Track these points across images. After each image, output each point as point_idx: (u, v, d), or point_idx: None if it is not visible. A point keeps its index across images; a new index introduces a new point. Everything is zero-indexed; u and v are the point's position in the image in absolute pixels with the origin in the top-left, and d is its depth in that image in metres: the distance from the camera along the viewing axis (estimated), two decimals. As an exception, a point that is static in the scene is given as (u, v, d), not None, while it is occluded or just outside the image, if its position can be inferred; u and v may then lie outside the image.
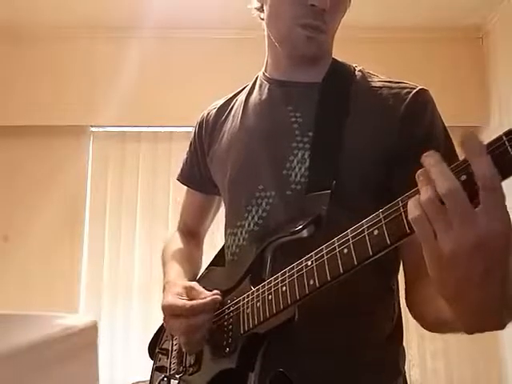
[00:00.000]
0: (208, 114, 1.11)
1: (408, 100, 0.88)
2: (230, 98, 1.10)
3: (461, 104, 2.89)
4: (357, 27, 2.92)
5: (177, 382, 0.94)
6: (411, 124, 0.86)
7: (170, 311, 0.88)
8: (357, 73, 0.97)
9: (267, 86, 1.01)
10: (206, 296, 0.87)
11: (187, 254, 1.11)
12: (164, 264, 1.10)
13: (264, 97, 1.00)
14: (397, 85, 0.92)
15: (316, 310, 0.77)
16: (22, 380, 0.37)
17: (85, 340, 0.47)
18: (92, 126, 3.12)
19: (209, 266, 1.11)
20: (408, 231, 0.56)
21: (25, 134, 3.03)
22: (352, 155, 0.86)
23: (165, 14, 2.84)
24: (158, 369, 1.02)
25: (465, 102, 2.96)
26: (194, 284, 0.92)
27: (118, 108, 2.94)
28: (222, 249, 1.06)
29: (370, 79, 0.95)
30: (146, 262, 3.02)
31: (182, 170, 1.18)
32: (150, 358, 1.06)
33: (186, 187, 1.19)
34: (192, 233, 1.19)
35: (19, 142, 3.04)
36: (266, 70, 1.04)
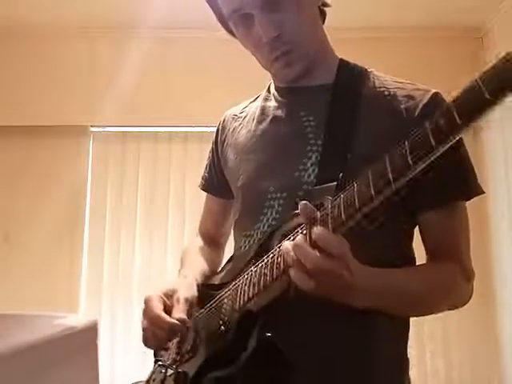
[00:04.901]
0: (224, 120, 1.13)
1: (424, 102, 0.89)
2: (246, 105, 1.11)
3: (461, 104, 2.89)
4: (356, 27, 2.93)
5: (173, 371, 0.95)
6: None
7: (144, 306, 0.90)
8: (368, 74, 0.97)
9: (278, 94, 1.02)
10: (176, 315, 0.86)
11: (206, 255, 1.12)
12: (182, 265, 1.12)
13: (277, 104, 1.01)
14: (409, 86, 0.93)
15: (315, 300, 0.75)
16: (21, 380, 0.37)
17: (85, 340, 0.47)
18: (92, 126, 3.12)
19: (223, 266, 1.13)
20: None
21: (25, 134, 3.03)
22: (362, 154, 0.86)
23: (165, 14, 2.83)
24: (157, 362, 1.03)
25: (465, 102, 2.96)
26: (183, 297, 0.90)
27: (118, 108, 2.94)
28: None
29: (382, 80, 0.96)
30: (145, 262, 3.02)
31: (202, 177, 1.19)
32: (153, 356, 1.06)
33: (203, 193, 1.21)
34: (212, 237, 1.21)
35: (19, 142, 3.04)
36: (274, 80, 1.06)
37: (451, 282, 0.87)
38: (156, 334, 0.87)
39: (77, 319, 0.48)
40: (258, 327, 0.80)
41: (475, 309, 2.73)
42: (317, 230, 0.68)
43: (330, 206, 0.71)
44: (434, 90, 0.91)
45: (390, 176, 0.64)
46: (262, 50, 0.93)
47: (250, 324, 0.81)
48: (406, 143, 0.64)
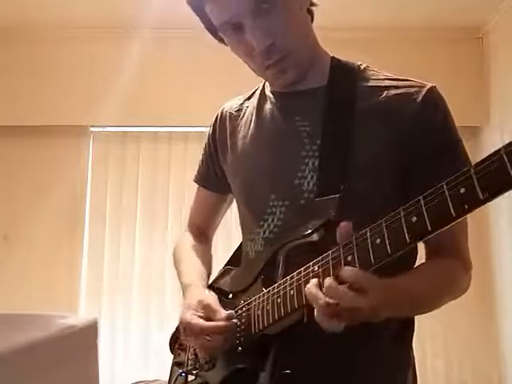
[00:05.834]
0: (221, 117, 1.11)
1: (419, 100, 0.88)
2: (242, 102, 1.10)
3: (461, 104, 2.86)
4: (356, 27, 2.92)
5: (193, 377, 0.98)
6: (424, 124, 0.87)
7: (185, 329, 0.91)
8: (361, 72, 0.96)
9: (274, 97, 1.02)
10: (221, 318, 0.88)
11: (201, 254, 1.13)
12: (178, 263, 1.12)
13: (272, 107, 1.01)
14: (403, 83, 0.92)
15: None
16: (21, 380, 0.37)
17: (85, 340, 0.47)
18: (92, 126, 3.12)
19: (225, 265, 1.13)
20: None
21: (25, 134, 3.03)
22: (362, 159, 0.87)
23: (164, 14, 2.83)
24: (176, 364, 1.05)
25: (465, 102, 2.96)
26: (211, 301, 0.92)
27: (118, 108, 2.94)
28: (238, 249, 1.08)
29: (375, 77, 0.95)
30: (145, 262, 3.02)
31: (198, 171, 1.20)
32: (170, 353, 1.09)
33: (196, 187, 1.21)
34: (202, 232, 1.21)
35: (19, 142, 3.04)
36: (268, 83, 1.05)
37: (455, 278, 0.88)
38: (215, 341, 0.88)
39: (77, 319, 0.48)
40: (273, 353, 0.82)
41: (475, 309, 2.73)
42: (346, 269, 0.69)
43: (342, 251, 0.71)
44: (428, 86, 0.90)
45: (408, 239, 0.64)
46: (255, 59, 0.91)
47: (265, 350, 0.83)
48: (423, 204, 0.63)
